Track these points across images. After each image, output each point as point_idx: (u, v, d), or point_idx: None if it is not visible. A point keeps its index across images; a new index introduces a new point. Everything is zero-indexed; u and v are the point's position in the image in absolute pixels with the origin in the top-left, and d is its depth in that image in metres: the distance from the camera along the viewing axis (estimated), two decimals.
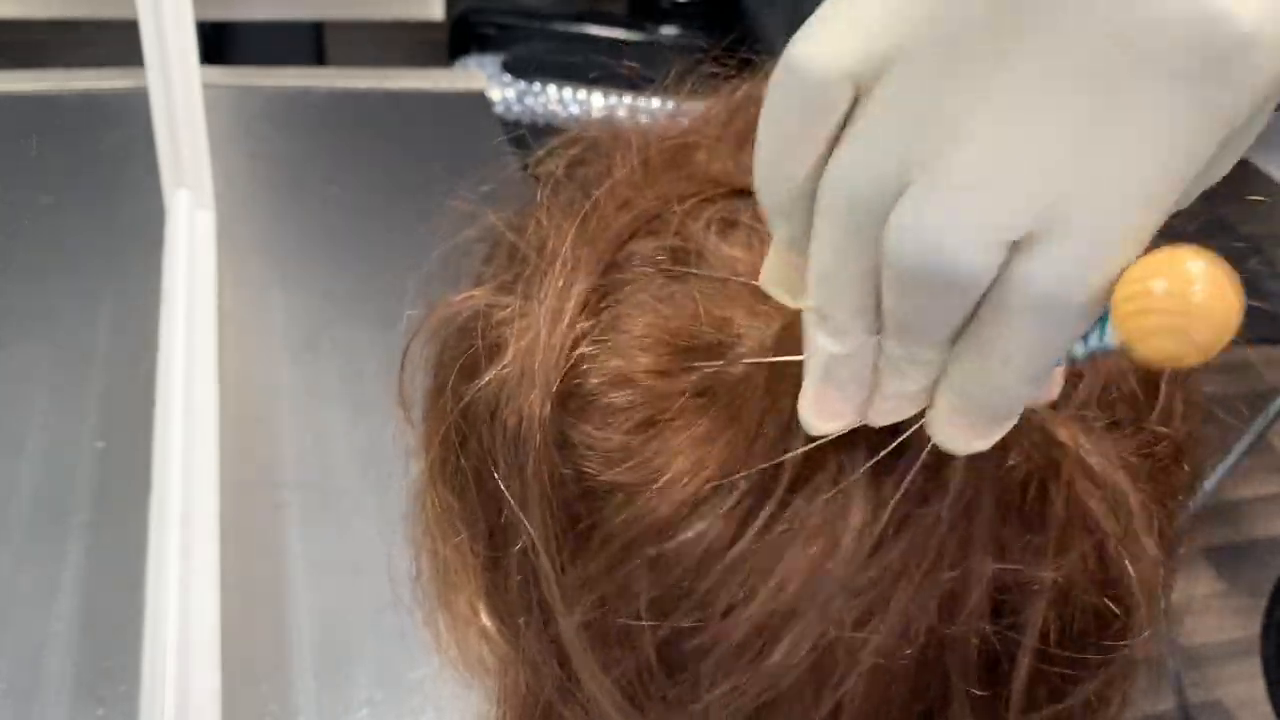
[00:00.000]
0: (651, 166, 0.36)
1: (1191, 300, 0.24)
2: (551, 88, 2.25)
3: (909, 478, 0.30)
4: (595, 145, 0.39)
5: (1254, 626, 1.68)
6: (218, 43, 1.85)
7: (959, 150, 0.24)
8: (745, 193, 0.35)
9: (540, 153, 0.39)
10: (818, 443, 0.30)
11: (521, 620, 0.36)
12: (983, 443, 0.28)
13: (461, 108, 1.49)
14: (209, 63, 1.15)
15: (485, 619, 0.39)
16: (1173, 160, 0.24)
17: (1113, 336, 0.25)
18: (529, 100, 2.26)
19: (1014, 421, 0.28)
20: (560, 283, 0.34)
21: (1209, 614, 1.90)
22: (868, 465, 0.30)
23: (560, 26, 2.35)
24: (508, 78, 2.26)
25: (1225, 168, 0.26)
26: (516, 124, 2.21)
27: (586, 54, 2.28)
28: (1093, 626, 0.33)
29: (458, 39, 2.34)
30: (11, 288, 1.14)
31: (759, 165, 0.27)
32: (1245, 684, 1.78)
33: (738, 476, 0.31)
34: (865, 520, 0.30)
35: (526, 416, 0.33)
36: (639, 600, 0.32)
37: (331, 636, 0.88)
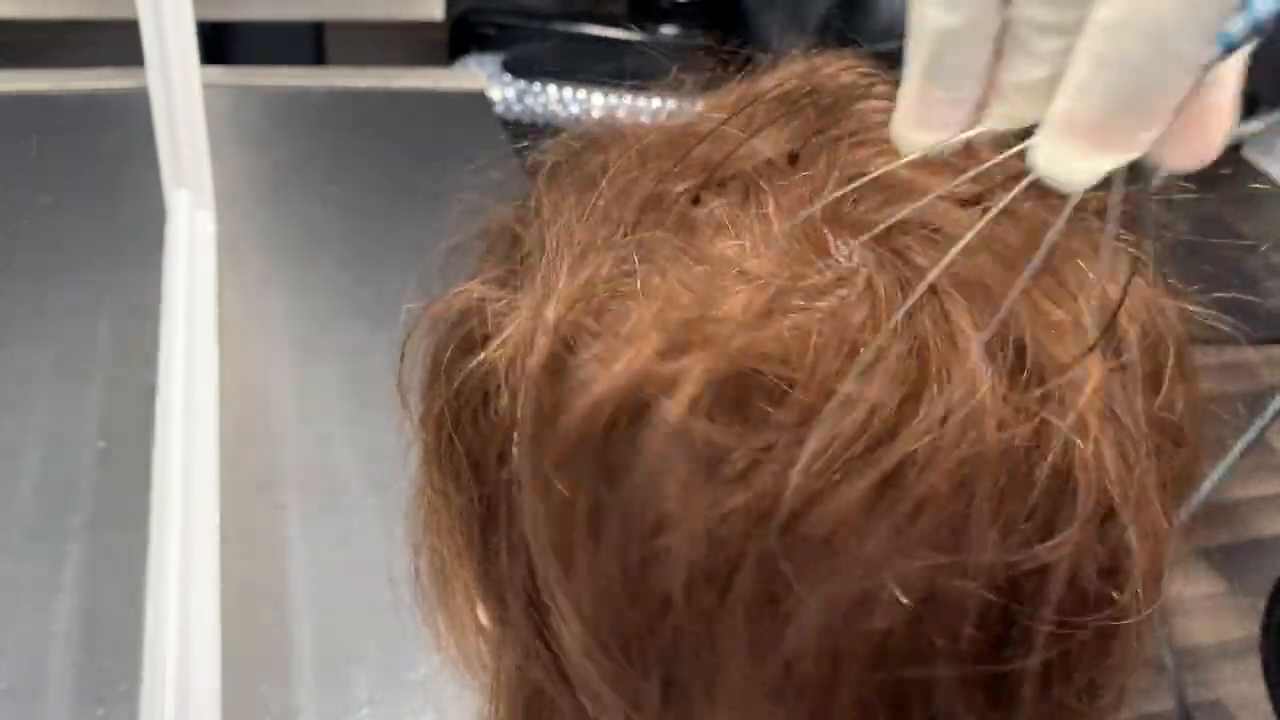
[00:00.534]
0: (651, 153, 0.36)
1: None
2: (551, 88, 2.26)
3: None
4: (593, 140, 0.38)
5: (1254, 626, 1.68)
6: (218, 43, 1.85)
7: None
8: (747, 176, 0.34)
9: (538, 149, 0.39)
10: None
11: (510, 598, 0.35)
12: (1096, 159, 0.24)
13: (461, 108, 1.50)
14: (209, 63, 1.15)
15: (479, 608, 0.39)
16: None
17: (1269, 3, 0.23)
18: (529, 100, 2.27)
19: (1141, 136, 0.23)
20: (556, 268, 0.33)
21: (1209, 614, 1.90)
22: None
23: (560, 26, 2.35)
24: (508, 78, 2.26)
25: None
26: (517, 124, 2.22)
27: (586, 54, 2.29)
28: (1090, 607, 0.32)
29: (458, 39, 2.34)
30: (11, 288, 1.14)
31: None
32: (1245, 684, 1.78)
33: (718, 430, 0.29)
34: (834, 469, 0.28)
35: (520, 392, 0.32)
36: (611, 533, 0.31)
37: (331, 636, 0.88)
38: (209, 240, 1.13)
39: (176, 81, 1.06)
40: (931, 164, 0.33)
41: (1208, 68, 0.24)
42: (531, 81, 2.26)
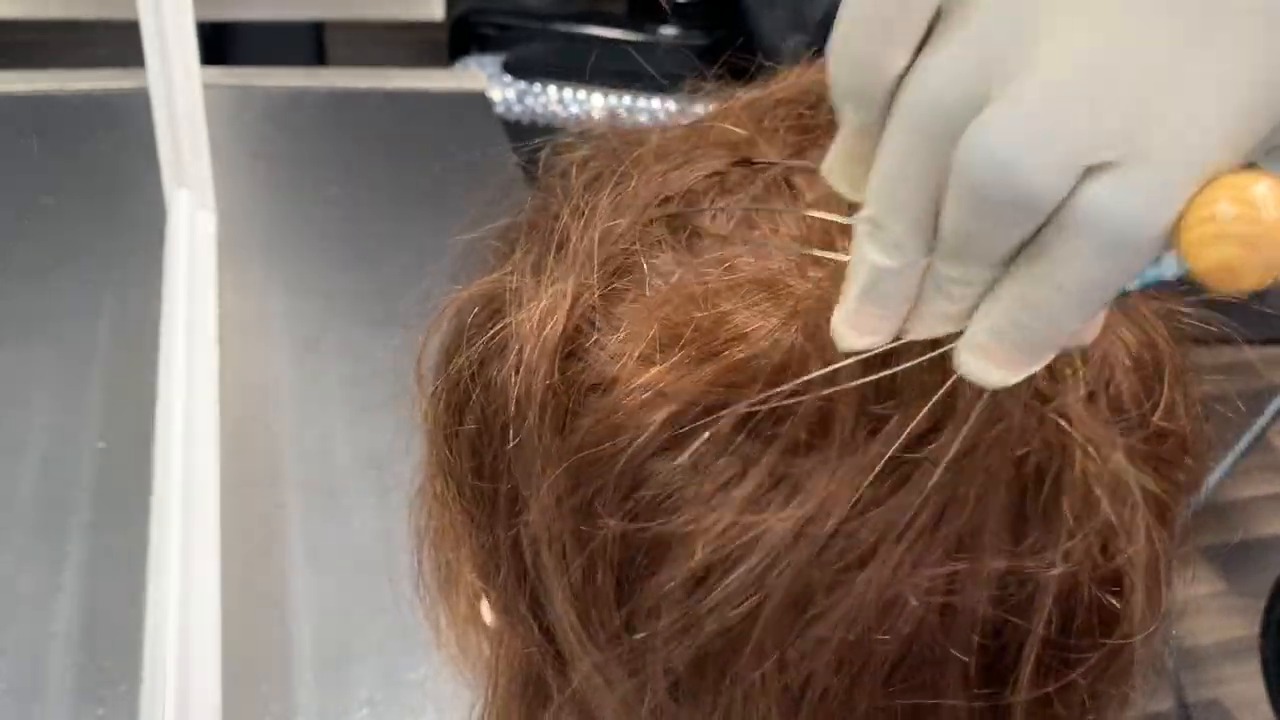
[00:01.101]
0: (670, 153, 0.37)
1: (1260, 221, 0.24)
2: (551, 88, 2.25)
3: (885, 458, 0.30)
4: (605, 139, 0.39)
5: (1254, 626, 1.68)
6: (218, 43, 1.85)
7: (1047, 67, 0.24)
8: (760, 171, 0.35)
9: (553, 147, 0.40)
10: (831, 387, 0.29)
11: (511, 582, 0.36)
12: (1011, 375, 0.27)
13: (461, 108, 1.49)
14: (209, 63, 1.15)
15: (481, 596, 0.39)
16: (1261, 101, 0.24)
17: (1170, 266, 0.25)
18: (529, 100, 2.26)
19: (1048, 358, 0.27)
20: (575, 259, 0.34)
21: (1209, 614, 1.90)
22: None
23: (560, 26, 2.35)
24: (508, 78, 2.26)
25: None
26: (517, 124, 2.22)
27: (586, 54, 2.29)
28: (1095, 620, 0.33)
29: (458, 39, 2.34)
30: (11, 288, 1.14)
31: (839, 41, 0.26)
32: (1245, 684, 1.78)
33: (725, 413, 0.31)
34: (841, 486, 0.30)
35: (527, 369, 0.34)
36: (604, 508, 0.32)
37: (331, 636, 0.88)
38: (209, 240, 1.13)
39: (176, 81, 1.06)
40: None
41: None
42: (531, 82, 2.25)
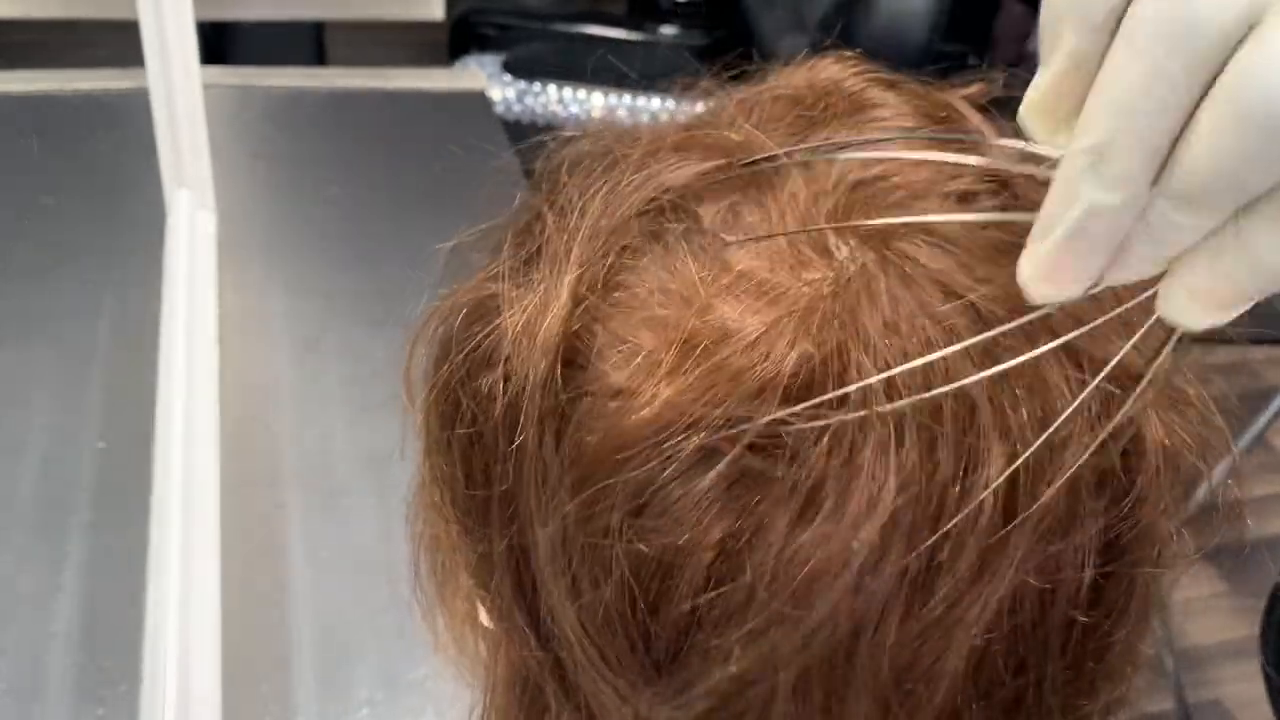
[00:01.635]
0: (663, 151, 0.36)
1: None
2: (551, 88, 2.25)
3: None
4: (608, 137, 0.38)
5: (1254, 626, 1.68)
6: (218, 43, 1.85)
7: None
8: (758, 169, 0.34)
9: (547, 147, 0.39)
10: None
11: (507, 591, 0.36)
12: (1222, 318, 0.25)
13: (461, 108, 1.49)
14: (209, 63, 1.15)
15: (478, 602, 0.39)
16: None
17: None
18: (529, 100, 2.26)
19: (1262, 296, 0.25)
20: (565, 260, 0.33)
21: (1209, 614, 1.90)
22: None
23: (560, 26, 2.35)
24: (508, 78, 2.26)
25: None
26: (517, 124, 2.22)
27: (586, 54, 2.29)
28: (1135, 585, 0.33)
29: (458, 39, 2.34)
30: (11, 288, 1.14)
31: None
32: (1245, 684, 1.78)
33: (743, 427, 0.29)
34: (860, 503, 0.29)
35: (523, 373, 0.33)
36: (611, 519, 0.31)
37: (331, 636, 0.88)
38: (209, 240, 1.13)
39: (176, 81, 1.06)
40: (932, 165, 0.33)
41: None
42: (531, 81, 2.25)
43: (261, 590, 0.90)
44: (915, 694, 0.31)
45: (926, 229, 0.32)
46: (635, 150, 0.36)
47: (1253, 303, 0.25)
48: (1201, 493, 0.35)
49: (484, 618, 0.40)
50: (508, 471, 0.34)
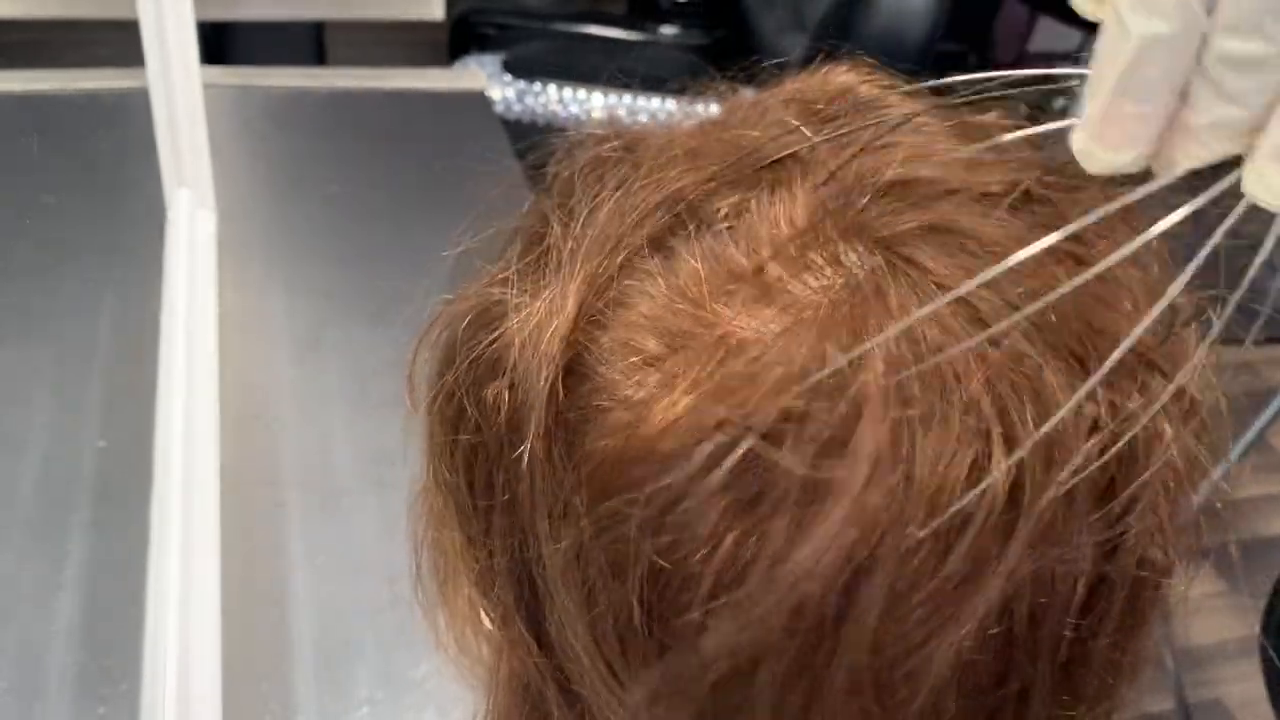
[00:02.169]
0: (675, 155, 0.35)
1: None
2: (551, 88, 2.25)
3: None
4: (610, 141, 0.38)
5: (1254, 626, 1.68)
6: (218, 43, 1.85)
7: None
8: (765, 181, 0.34)
9: (554, 149, 0.39)
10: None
11: (511, 597, 0.35)
12: None
13: (461, 108, 1.50)
14: (209, 63, 1.15)
15: (479, 607, 0.39)
16: None
17: None
18: (529, 100, 2.26)
19: None
20: (572, 267, 0.33)
21: (1209, 614, 1.90)
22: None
23: (560, 26, 2.35)
24: (508, 78, 2.26)
25: None
26: (517, 124, 2.22)
27: (586, 54, 2.29)
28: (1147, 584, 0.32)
29: (458, 39, 2.34)
30: (12, 287, 1.14)
31: None
32: (1245, 684, 1.78)
33: (745, 431, 0.29)
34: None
35: (529, 382, 0.32)
36: (630, 529, 0.30)
37: (331, 636, 0.88)
38: (209, 240, 1.13)
39: (176, 81, 1.06)
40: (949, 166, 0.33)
41: None
42: (531, 81, 2.25)
43: (261, 590, 0.90)
44: (900, 696, 0.31)
45: (938, 232, 0.32)
46: (645, 155, 0.36)
47: None
48: (1201, 493, 0.35)
49: (485, 621, 0.40)
50: (512, 481, 0.33)
